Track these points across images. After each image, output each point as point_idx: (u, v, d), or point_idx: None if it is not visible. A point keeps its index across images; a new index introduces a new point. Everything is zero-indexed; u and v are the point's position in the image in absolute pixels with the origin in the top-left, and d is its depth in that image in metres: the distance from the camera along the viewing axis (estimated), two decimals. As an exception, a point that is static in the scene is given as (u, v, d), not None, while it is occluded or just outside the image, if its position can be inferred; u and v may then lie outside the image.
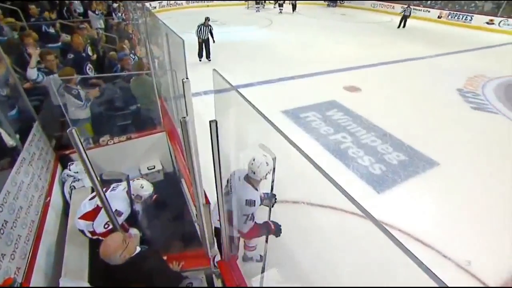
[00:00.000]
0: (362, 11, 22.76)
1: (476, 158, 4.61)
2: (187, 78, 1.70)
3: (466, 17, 17.60)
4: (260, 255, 2.50)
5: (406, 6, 15.83)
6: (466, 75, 8.57)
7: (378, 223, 0.85)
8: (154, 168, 3.55)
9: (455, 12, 18.26)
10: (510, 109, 6.41)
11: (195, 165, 1.52)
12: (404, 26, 15.44)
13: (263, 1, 19.41)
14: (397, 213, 3.45)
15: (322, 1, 24.42)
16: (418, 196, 3.76)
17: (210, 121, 1.39)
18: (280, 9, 18.37)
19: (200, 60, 8.06)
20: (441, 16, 18.77)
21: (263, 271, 2.11)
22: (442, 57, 10.55)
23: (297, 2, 17.36)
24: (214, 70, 1.48)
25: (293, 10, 17.61)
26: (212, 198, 1.81)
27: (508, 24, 15.93)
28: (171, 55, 2.84)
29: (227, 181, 1.92)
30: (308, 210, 2.26)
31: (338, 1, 24.23)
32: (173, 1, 18.58)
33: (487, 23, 16.71)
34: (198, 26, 7.67)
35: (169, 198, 3.06)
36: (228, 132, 1.56)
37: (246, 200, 1.97)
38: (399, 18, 19.58)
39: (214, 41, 7.96)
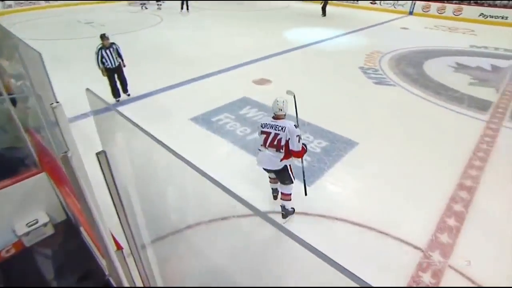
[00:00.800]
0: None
1: (387, 130, 5.35)
2: (57, 102, 1.46)
3: None
4: (292, 208, 3.49)
5: None
6: (364, 52, 9.92)
7: (267, 217, 0.87)
8: (36, 222, 3.01)
9: None
10: (403, 80, 7.66)
11: (92, 206, 1.34)
12: (325, 14, 16.79)
13: None
14: (330, 201, 3.72)
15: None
16: (347, 179, 4.13)
17: (97, 154, 1.31)
18: (158, 5, 17.91)
19: (117, 101, 6.09)
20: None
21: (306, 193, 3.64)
22: (340, 38, 12.03)
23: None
24: (88, 89, 1.34)
25: (184, 8, 16.89)
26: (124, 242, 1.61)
27: (387, 3, 19.29)
28: (30, 73, 2.46)
29: (261, 126, 3.22)
30: (210, 228, 2.29)
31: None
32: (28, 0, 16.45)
33: (371, 3, 19.82)
34: (98, 51, 5.73)
35: (69, 255, 2.71)
36: (122, 159, 1.47)
37: (294, 125, 3.11)
38: (296, 3, 21.80)
39: (124, 65, 6.06)
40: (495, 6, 16.60)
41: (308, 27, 13.86)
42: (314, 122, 5.45)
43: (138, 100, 6.14)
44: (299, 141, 3.09)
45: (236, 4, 21.05)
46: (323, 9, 16.80)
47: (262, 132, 3.21)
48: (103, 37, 5.68)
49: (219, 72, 7.83)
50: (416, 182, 4.10)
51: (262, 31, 12.73)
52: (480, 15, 16.47)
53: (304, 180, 3.67)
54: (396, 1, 18.98)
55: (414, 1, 18.48)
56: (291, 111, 3.53)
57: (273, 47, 10.02)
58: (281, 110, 3.21)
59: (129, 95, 6.31)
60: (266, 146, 3.19)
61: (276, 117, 3.22)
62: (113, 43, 5.81)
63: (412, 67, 8.66)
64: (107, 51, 5.73)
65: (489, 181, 4.15)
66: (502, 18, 15.94)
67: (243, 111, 5.87)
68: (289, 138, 3.09)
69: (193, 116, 5.56)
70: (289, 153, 3.16)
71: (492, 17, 16.20)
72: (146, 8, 17.77)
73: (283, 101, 3.21)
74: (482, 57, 9.90)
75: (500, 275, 2.87)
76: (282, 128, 3.13)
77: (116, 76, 5.95)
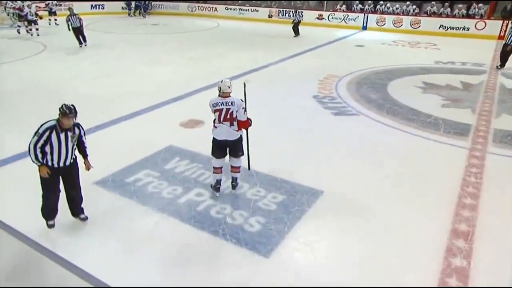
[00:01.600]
0: (179, 17, 25.59)
1: (356, 171, 5.59)
2: None
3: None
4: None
5: (294, 11, 18.84)
6: (316, 77, 10.63)
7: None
8: None
9: (285, 10, 23.16)
10: (366, 107, 8.26)
11: None
12: (298, 33, 18.06)
13: (25, 15, 17.48)
14: (297, 275, 3.65)
15: (124, 10, 26.40)
16: (315, 241, 4.12)
17: None
18: (28, 30, 17.40)
19: None
20: (271, 15, 23.59)
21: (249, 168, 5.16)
22: (286, 62, 12.84)
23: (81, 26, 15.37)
24: None
25: (81, 41, 15.60)
26: None
27: (336, 18, 21.41)
28: None
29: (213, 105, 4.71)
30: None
31: (149, 8, 26.88)
32: None
33: (317, 18, 21.84)
34: None
35: None
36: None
37: (240, 99, 4.70)
38: (224, 22, 23.30)
39: None
40: (454, 16, 19.30)
41: (246, 50, 14.63)
42: (264, 170, 5.49)
43: (8, 164, 5.70)
44: (244, 113, 4.71)
45: (151, 26, 21.65)
46: (295, 28, 18.01)
47: (215, 110, 4.69)
48: None
49: (133, 115, 7.75)
50: (400, 235, 4.23)
51: (188, 58, 13.17)
52: (440, 27, 18.93)
53: (248, 155, 5.13)
54: (345, 15, 21.17)
55: (366, 14, 20.71)
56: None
57: (203, 78, 10.31)
58: (229, 87, 4.73)
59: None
60: (221, 121, 4.68)
61: (224, 95, 4.72)
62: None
63: (375, 91, 9.41)
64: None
65: (486, 222, 4.41)
66: (464, 29, 18.47)
67: (170, 164, 5.75)
68: (237, 111, 4.65)
69: (99, 179, 5.28)
70: (239, 126, 4.73)
71: (452, 28, 18.73)
72: (29, 32, 17.40)
73: (229, 81, 4.78)
74: (450, 74, 11.23)
75: None
76: (231, 103, 4.66)
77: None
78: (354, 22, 20.91)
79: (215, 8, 25.91)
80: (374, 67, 11.85)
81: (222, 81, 4.76)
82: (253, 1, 25.77)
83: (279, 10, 23.42)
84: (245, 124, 4.77)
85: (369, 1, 21.31)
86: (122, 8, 26.61)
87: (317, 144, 6.53)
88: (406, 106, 8.29)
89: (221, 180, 5.01)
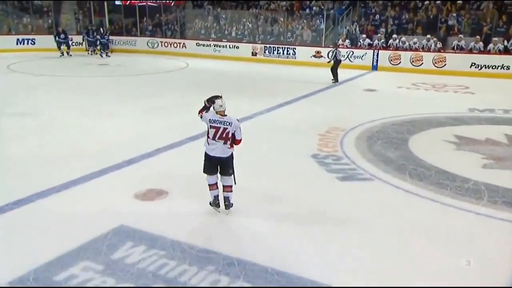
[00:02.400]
0: (137, 56, 26.56)
1: (374, 258, 5.40)
2: None
3: (288, 51, 23.71)
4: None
5: (333, 47, 19.04)
6: (316, 131, 10.73)
7: None
8: None
9: (273, 46, 24.16)
10: (382, 169, 8.30)
11: None
12: (337, 78, 17.97)
13: None
14: None
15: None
16: None
17: None
18: None
19: None
20: (255, 53, 24.54)
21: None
22: (277, 110, 13.13)
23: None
24: None
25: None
26: None
27: (343, 55, 21.89)
28: None
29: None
30: None
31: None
32: None
33: (314, 56, 22.65)
34: None
35: None
36: None
37: (237, 119, 6.36)
38: (195, 61, 23.88)
39: None
40: (489, 52, 19.82)
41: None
42: (248, 257, 5.31)
43: None
44: (240, 131, 6.26)
45: (99, 67, 22.00)
46: (335, 72, 17.92)
47: (212, 127, 6.14)
48: None
49: (70, 184, 7.58)
50: None
51: (147, 109, 13.28)
52: (472, 65, 19.45)
53: (234, 175, 6.37)
54: (350, 51, 21.98)
55: (376, 50, 21.51)
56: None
57: (167, 135, 10.33)
58: (222, 107, 6.19)
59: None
60: (216, 139, 6.14)
61: (221, 114, 6.19)
62: None
63: (393, 148, 9.50)
64: None
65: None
66: (503, 68, 18.97)
67: (119, 253, 5.54)
68: (235, 131, 6.15)
69: (15, 278, 5.01)
70: (233, 143, 6.23)
71: (488, 67, 19.22)
72: None
73: (221, 99, 6.24)
74: (490, 125, 11.34)
75: None
76: (229, 123, 6.12)
77: None
78: (361, 61, 21.74)
79: (183, 44, 26.86)
80: (389, 117, 12.04)
81: (215, 101, 6.26)
82: (232, 35, 27.00)
83: (265, 47, 24.45)
84: (239, 142, 6.34)
85: (379, 35, 22.27)
86: (78, 43, 27.69)
87: (319, 220, 6.41)
88: (435, 168, 8.29)
89: (218, 195, 6.49)
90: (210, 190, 6.46)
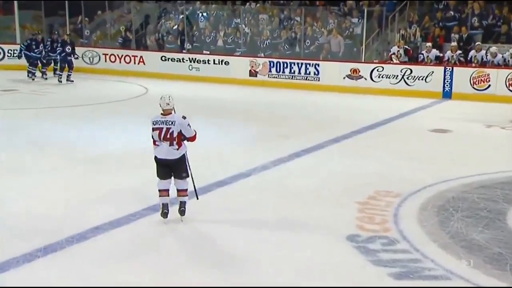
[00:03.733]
0: (75, 76, 26.50)
1: None
2: None
3: (307, 68, 23.61)
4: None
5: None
6: (353, 198, 10.51)
7: None
8: None
9: (282, 61, 24.05)
10: (466, 260, 7.90)
11: None
12: None
13: None
14: None
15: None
16: None
17: None
18: None
19: None
20: (255, 72, 24.74)
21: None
22: (290, 164, 13.00)
23: None
24: None
25: None
26: None
27: (387, 76, 22.10)
28: None
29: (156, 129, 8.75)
30: None
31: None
32: None
33: (349, 76, 22.72)
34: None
35: None
36: None
37: (183, 116, 8.89)
38: (158, 84, 23.66)
39: None
40: None
41: (204, 141, 14.16)
42: None
43: None
44: (190, 128, 8.31)
45: (4, 94, 22.41)
46: None
47: (155, 129, 8.25)
48: None
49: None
50: None
51: (80, 160, 13.27)
52: None
53: (194, 185, 8.81)
54: (406, 69, 21.80)
55: (449, 67, 21.34)
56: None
57: (113, 203, 10.23)
58: (169, 104, 8.30)
59: None
60: (161, 140, 8.27)
61: (165, 113, 8.28)
62: None
63: (481, 225, 9.22)
64: None
65: None
66: None
67: None
68: (180, 130, 8.18)
69: None
70: (181, 143, 8.37)
71: None
72: None
73: (169, 97, 8.34)
74: None
75: None
76: (172, 122, 8.15)
77: None
78: (425, 84, 21.56)
79: (141, 58, 26.77)
80: (474, 175, 11.86)
81: (161, 98, 8.37)
82: (218, 45, 27.27)
83: (270, 62, 24.39)
84: (193, 138, 8.51)
85: (453, 44, 22.09)
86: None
87: None
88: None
89: (167, 204, 8.54)
90: (159, 196, 8.63)
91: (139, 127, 16.16)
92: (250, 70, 24.69)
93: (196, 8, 28.88)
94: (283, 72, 23.69)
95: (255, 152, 13.72)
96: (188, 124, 8.25)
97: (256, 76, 24.55)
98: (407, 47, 22.98)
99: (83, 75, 26.95)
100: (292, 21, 26.13)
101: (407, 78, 22.04)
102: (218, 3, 29.21)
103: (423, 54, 22.63)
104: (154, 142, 8.42)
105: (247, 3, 28.51)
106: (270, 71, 24.18)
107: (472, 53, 21.96)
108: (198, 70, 25.57)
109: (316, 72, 21.98)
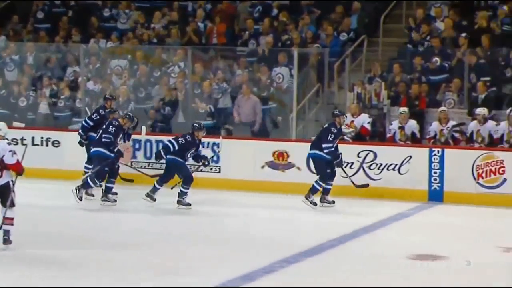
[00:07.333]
0: None
1: None
2: None
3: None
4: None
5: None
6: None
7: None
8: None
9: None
10: None
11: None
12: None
13: None
14: None
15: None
16: None
17: None
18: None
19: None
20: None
21: None
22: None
23: None
24: None
25: None
26: None
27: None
28: None
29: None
30: None
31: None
32: None
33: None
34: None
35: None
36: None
37: (8, 143, 9.85)
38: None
39: None
40: None
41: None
42: None
43: None
44: (12, 156, 8.68)
45: None
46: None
47: None
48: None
49: None
50: None
51: None
52: None
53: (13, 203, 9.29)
54: (367, 151, 16.72)
55: (437, 150, 16.20)
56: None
57: None
58: (1, 130, 9.30)
59: None
60: None
61: None
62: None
63: None
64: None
65: None
66: None
67: None
68: (3, 156, 8.68)
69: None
70: (5, 168, 8.79)
71: None
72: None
73: (3, 124, 9.60)
74: None
75: None
76: None
77: None
78: (398, 177, 15.55)
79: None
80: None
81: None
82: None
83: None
84: (16, 167, 8.83)
85: (442, 110, 16.29)
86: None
87: None
88: None
89: (9, 231, 9.04)
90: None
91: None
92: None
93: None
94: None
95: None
96: (10, 151, 8.58)
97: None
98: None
99: None
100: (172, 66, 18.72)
101: (369, 167, 15.69)
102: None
103: (390, 128, 16.68)
104: None
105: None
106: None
107: (473, 125, 15.95)
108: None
109: (215, 159, 15.09)
